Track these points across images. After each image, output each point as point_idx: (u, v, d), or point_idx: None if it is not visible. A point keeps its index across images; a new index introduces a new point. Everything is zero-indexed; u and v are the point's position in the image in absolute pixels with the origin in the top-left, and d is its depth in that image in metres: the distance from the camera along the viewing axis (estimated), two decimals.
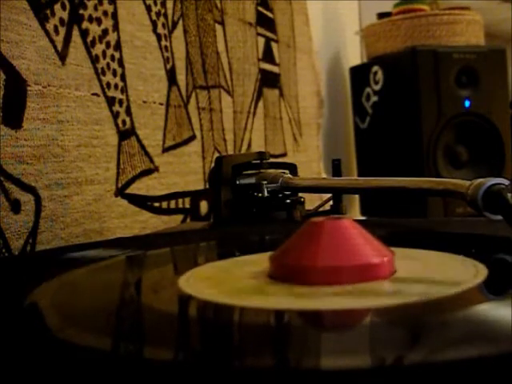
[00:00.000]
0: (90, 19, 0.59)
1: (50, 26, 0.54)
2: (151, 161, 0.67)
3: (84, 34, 0.58)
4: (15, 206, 0.49)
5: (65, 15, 0.55)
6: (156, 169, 0.68)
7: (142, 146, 0.66)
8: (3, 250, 0.47)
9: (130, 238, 0.53)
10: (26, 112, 0.50)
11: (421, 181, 0.43)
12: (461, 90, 1.22)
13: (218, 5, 0.85)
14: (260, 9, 0.98)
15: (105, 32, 0.61)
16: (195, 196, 0.76)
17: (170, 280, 0.33)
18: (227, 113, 0.86)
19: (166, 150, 0.70)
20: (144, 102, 0.67)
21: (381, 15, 1.40)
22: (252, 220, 0.53)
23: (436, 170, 1.21)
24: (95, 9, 0.60)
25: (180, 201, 0.72)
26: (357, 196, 1.42)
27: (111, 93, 0.61)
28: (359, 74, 1.38)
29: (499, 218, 0.35)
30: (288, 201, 0.53)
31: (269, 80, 1.00)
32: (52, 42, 0.54)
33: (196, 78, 0.78)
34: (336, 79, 1.48)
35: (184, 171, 0.74)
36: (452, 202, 1.16)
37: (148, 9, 0.69)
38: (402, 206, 1.17)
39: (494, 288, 0.27)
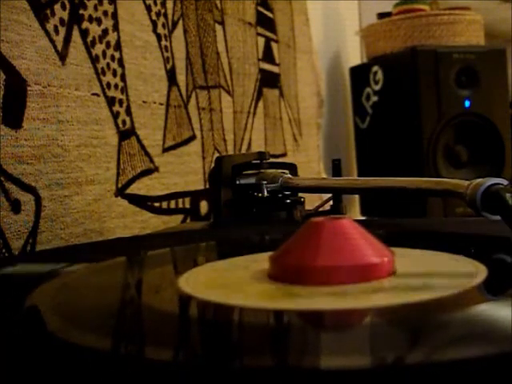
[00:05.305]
0: (90, 19, 0.59)
1: (50, 26, 0.54)
2: (151, 161, 0.68)
3: (84, 33, 0.58)
4: (15, 206, 0.49)
5: (65, 15, 0.55)
6: (156, 169, 0.68)
7: (142, 146, 0.66)
8: (3, 250, 0.47)
9: (129, 237, 0.53)
10: (26, 112, 0.50)
11: (420, 181, 0.43)
12: (461, 89, 1.22)
13: (218, 5, 0.85)
14: (260, 9, 0.98)
15: (105, 32, 0.61)
16: (195, 196, 0.76)
17: (170, 280, 0.33)
18: (227, 113, 0.86)
19: (166, 149, 0.70)
20: (144, 102, 0.67)
21: (381, 15, 1.40)
22: (252, 220, 0.53)
23: (436, 170, 1.21)
24: (95, 9, 0.60)
25: (180, 201, 0.72)
26: (357, 196, 1.42)
27: (111, 93, 0.61)
28: (359, 74, 1.38)
29: (498, 218, 0.35)
30: (288, 201, 0.53)
31: (269, 80, 1.00)
32: (52, 41, 0.54)
33: (196, 78, 0.78)
34: (336, 79, 1.48)
35: (184, 171, 0.74)
36: (452, 201, 1.16)
37: (148, 9, 0.69)
38: (402, 206, 1.17)
39: (494, 288, 0.27)
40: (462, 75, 1.22)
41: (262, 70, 0.98)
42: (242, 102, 0.90)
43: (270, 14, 1.02)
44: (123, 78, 0.64)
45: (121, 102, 0.63)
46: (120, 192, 0.62)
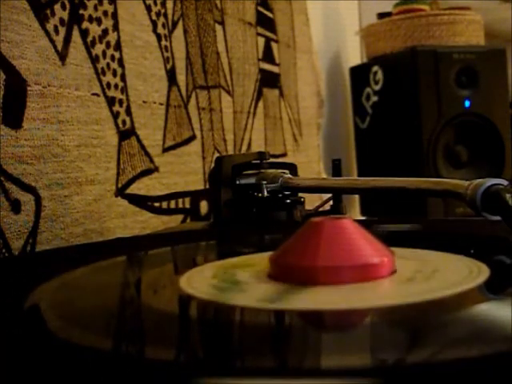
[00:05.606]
0: (90, 19, 0.59)
1: (49, 26, 0.54)
2: (151, 161, 0.67)
3: (84, 33, 0.58)
4: (15, 206, 0.49)
5: (65, 15, 0.55)
6: (156, 169, 0.68)
7: (142, 146, 0.66)
8: (3, 250, 0.47)
9: (129, 237, 0.53)
10: (26, 112, 0.50)
11: (420, 181, 0.43)
12: (461, 89, 1.22)
13: (218, 5, 0.85)
14: (260, 9, 0.98)
15: (105, 32, 0.61)
16: (195, 196, 0.76)
17: (170, 280, 0.33)
18: (227, 113, 0.86)
19: (166, 149, 0.70)
20: (144, 102, 0.67)
21: (381, 15, 1.40)
22: (252, 220, 0.53)
23: (436, 170, 1.21)
24: (95, 9, 0.60)
25: (180, 201, 0.72)
26: (357, 196, 1.42)
27: (111, 93, 0.61)
28: (359, 74, 1.38)
29: (498, 218, 0.35)
30: (288, 201, 0.53)
31: (269, 80, 1.00)
32: (52, 41, 0.54)
33: (196, 78, 0.78)
34: (336, 79, 1.48)
35: (184, 171, 0.74)
36: (452, 202, 1.16)
37: (148, 9, 0.69)
38: (402, 206, 1.17)
39: (494, 288, 0.27)
40: (462, 75, 1.22)
41: (262, 70, 0.98)
42: (242, 102, 0.90)
43: (270, 14, 1.02)
44: (123, 77, 0.64)
45: (121, 102, 0.63)
46: (120, 192, 0.62)
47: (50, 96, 0.53)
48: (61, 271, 0.33)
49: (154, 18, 0.70)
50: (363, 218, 1.32)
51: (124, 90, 0.64)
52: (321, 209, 0.55)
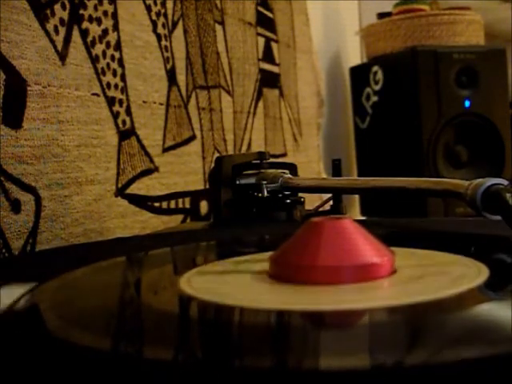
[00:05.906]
0: (90, 19, 0.59)
1: (49, 26, 0.54)
2: (151, 161, 0.67)
3: (84, 33, 0.58)
4: (15, 206, 0.49)
5: (65, 15, 0.55)
6: (156, 169, 0.68)
7: (142, 146, 0.66)
8: (3, 250, 0.47)
9: (129, 237, 0.53)
10: (26, 112, 0.50)
11: (420, 181, 0.43)
12: (461, 89, 1.22)
13: (218, 5, 0.85)
14: (260, 9, 0.98)
15: (105, 32, 0.61)
16: (195, 196, 0.76)
17: (170, 280, 0.33)
18: (227, 113, 0.86)
19: (166, 149, 0.70)
20: (144, 102, 0.67)
21: (381, 15, 1.40)
22: (252, 220, 0.53)
23: (436, 170, 1.21)
24: (95, 9, 0.60)
25: (180, 201, 0.72)
26: (357, 196, 1.42)
27: (111, 93, 0.61)
28: (359, 74, 1.38)
29: (498, 218, 0.35)
30: (288, 201, 0.53)
31: (269, 80, 1.00)
32: (52, 41, 0.54)
33: (196, 78, 0.78)
34: (336, 79, 1.48)
35: (184, 171, 0.74)
36: (452, 201, 1.16)
37: (148, 9, 0.69)
38: (402, 206, 1.17)
39: (495, 288, 0.27)
40: (462, 75, 1.22)
41: (262, 70, 0.98)
42: (242, 102, 0.90)
43: (270, 14, 1.02)
44: (123, 77, 0.64)
45: (121, 102, 0.63)
46: (120, 192, 0.62)
47: (50, 96, 0.53)
48: (61, 271, 0.33)
49: (154, 18, 0.70)
50: (363, 217, 1.32)
51: (124, 90, 0.64)
52: (321, 209, 0.55)
